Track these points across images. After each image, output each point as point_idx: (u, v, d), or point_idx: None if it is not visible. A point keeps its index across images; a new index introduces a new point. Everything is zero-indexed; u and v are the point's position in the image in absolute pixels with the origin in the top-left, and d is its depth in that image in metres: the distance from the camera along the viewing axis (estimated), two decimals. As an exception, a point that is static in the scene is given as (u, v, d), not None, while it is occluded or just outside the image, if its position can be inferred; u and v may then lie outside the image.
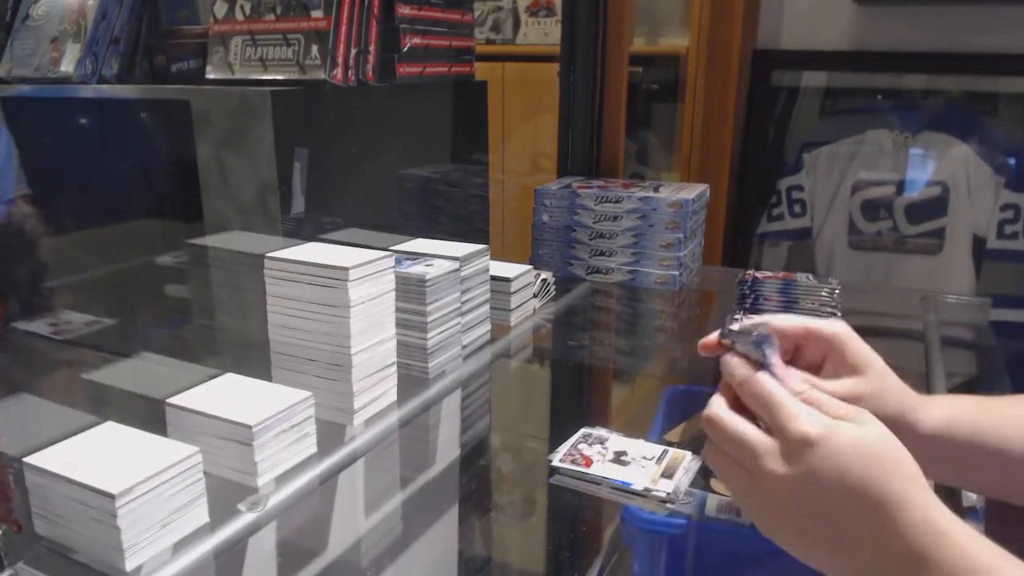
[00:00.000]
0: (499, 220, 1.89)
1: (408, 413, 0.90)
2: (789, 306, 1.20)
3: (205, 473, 0.66)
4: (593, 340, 1.28)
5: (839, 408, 0.49)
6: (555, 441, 0.83)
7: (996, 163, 1.94)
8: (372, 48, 1.05)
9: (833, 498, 0.47)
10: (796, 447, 0.47)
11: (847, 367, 0.59)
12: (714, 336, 0.57)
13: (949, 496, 0.67)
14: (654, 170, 2.38)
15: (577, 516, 0.82)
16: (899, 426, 0.57)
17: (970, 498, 0.70)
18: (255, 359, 0.87)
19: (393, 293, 0.87)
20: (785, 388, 0.51)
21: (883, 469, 0.46)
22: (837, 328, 0.60)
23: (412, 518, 0.80)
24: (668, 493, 0.73)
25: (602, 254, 1.40)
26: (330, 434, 0.81)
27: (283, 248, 0.86)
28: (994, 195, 1.94)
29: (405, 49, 1.10)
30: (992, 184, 1.94)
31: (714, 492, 0.79)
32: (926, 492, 0.46)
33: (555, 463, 0.79)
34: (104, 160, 1.21)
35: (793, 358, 0.59)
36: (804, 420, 0.48)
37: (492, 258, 1.08)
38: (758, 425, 0.51)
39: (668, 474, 0.76)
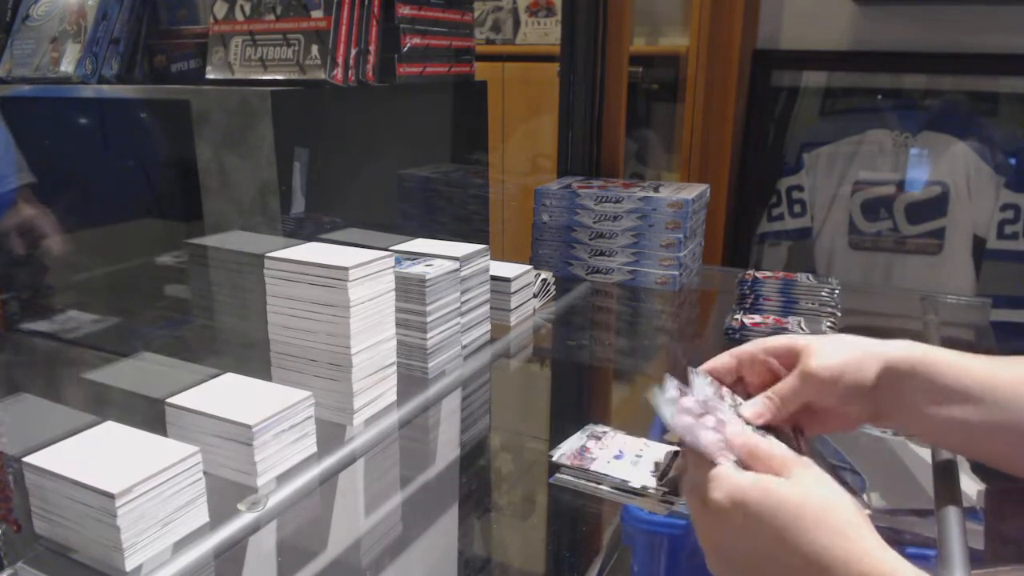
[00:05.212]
0: (499, 220, 1.89)
1: (408, 413, 0.90)
2: (789, 306, 1.20)
3: (205, 473, 0.66)
4: (593, 340, 1.28)
5: (772, 460, 0.50)
6: (555, 441, 0.83)
7: (996, 163, 1.94)
8: (372, 48, 1.05)
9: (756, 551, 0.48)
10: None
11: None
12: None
13: (949, 492, 0.67)
14: (654, 170, 2.38)
15: (577, 516, 0.82)
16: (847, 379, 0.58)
17: (970, 498, 0.70)
18: (255, 359, 0.87)
19: (393, 293, 0.87)
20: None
21: (800, 528, 0.46)
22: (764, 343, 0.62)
23: (412, 518, 0.80)
24: (668, 493, 0.73)
25: (602, 254, 1.40)
26: (330, 434, 0.81)
27: (283, 248, 0.86)
28: (994, 195, 1.94)
29: (405, 49, 1.10)
30: (992, 184, 1.94)
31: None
32: (858, 542, 0.45)
33: (555, 462, 0.79)
34: (104, 160, 1.21)
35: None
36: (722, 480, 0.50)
37: (492, 258, 1.08)
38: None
39: (668, 474, 0.76)
